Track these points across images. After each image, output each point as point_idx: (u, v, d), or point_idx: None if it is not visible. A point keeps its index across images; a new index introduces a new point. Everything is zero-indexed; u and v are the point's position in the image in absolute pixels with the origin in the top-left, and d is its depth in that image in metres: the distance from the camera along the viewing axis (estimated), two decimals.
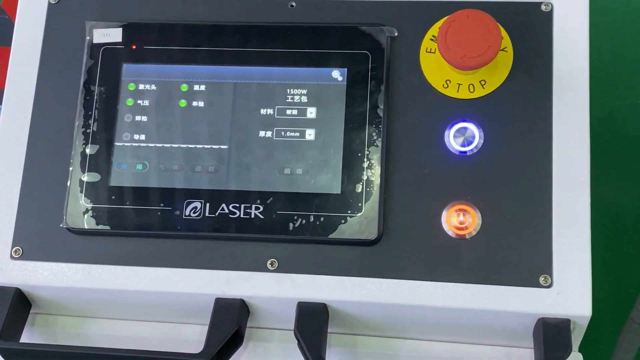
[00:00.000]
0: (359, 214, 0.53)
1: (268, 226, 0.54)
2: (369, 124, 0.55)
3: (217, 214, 0.54)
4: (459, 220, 0.52)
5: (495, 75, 0.55)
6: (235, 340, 0.54)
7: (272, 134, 0.55)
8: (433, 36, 0.55)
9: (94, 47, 0.58)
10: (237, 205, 0.55)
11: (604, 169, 1.16)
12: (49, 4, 0.60)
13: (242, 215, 0.54)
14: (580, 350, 0.56)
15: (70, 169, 0.56)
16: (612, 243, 1.06)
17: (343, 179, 0.54)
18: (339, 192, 0.54)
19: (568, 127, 0.54)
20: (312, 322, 0.53)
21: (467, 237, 0.52)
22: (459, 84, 0.55)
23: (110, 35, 0.59)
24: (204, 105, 0.57)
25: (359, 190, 0.54)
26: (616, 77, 1.29)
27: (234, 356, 0.55)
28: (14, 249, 0.55)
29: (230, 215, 0.54)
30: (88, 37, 0.58)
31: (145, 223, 0.55)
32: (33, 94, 0.58)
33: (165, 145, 0.56)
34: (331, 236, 0.53)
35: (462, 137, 0.54)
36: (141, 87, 0.57)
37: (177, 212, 0.54)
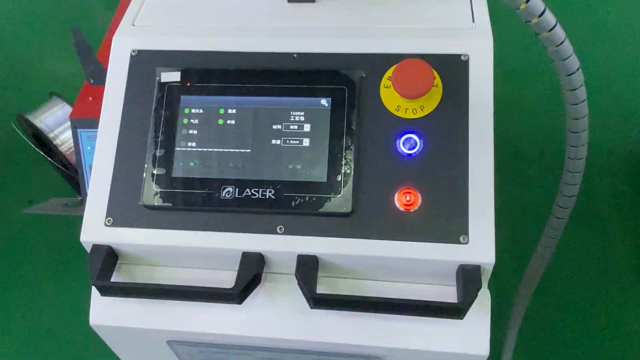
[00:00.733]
0: (339, 195, 0.56)
1: (278, 204, 0.57)
2: (345, 135, 0.58)
3: (243, 195, 0.57)
4: (405, 199, 0.56)
5: (430, 102, 0.58)
6: (255, 280, 0.57)
7: (280, 142, 0.58)
8: (388, 77, 0.58)
9: (161, 85, 0.61)
10: (257, 189, 0.57)
11: (512, 174, 1.27)
12: (131, 55, 0.62)
13: (259, 197, 0.57)
14: (488, 288, 0.59)
15: (145, 165, 0.59)
16: (514, 221, 1.15)
17: (328, 172, 0.57)
18: (325, 180, 0.57)
19: (479, 137, 0.57)
20: (307, 269, 0.56)
21: (412, 210, 0.56)
22: (406, 108, 0.58)
23: (172, 76, 0.61)
24: (234, 123, 0.59)
25: (339, 179, 0.57)
26: (513, 105, 1.39)
27: (254, 291, 0.59)
28: (107, 219, 0.59)
29: (252, 196, 0.57)
30: (157, 78, 0.61)
31: (195, 201, 0.58)
32: (120, 117, 0.61)
33: (208, 149, 0.59)
34: (320, 210, 0.56)
35: (408, 144, 0.57)
36: (192, 111, 0.60)
37: (216, 194, 0.57)
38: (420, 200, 0.56)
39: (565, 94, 0.60)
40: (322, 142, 0.58)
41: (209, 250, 0.58)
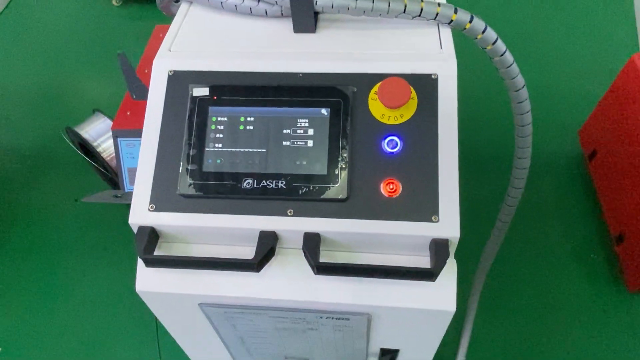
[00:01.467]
0: (337, 185, 0.59)
1: (288, 192, 0.59)
2: (341, 137, 0.60)
3: (260, 185, 0.60)
4: (389, 188, 0.58)
5: (408, 111, 0.61)
6: (270, 253, 0.60)
7: (289, 143, 0.61)
8: (375, 91, 0.61)
9: (193, 98, 0.63)
10: (271, 180, 0.60)
11: (474, 173, 1.31)
12: (168, 75, 0.64)
13: (273, 186, 0.59)
14: (455, 257, 0.61)
15: (181, 162, 0.61)
16: (474, 211, 1.18)
17: (328, 166, 0.59)
18: (326, 173, 0.59)
19: (446, 139, 0.59)
20: (312, 243, 0.58)
21: (394, 197, 0.58)
22: (389, 116, 0.61)
23: (201, 91, 0.63)
24: (253, 128, 0.62)
25: (337, 172, 0.59)
26: (474, 117, 1.43)
27: (269, 262, 0.61)
28: (150, 205, 0.61)
29: (267, 186, 0.60)
30: (190, 93, 0.63)
31: (221, 191, 0.60)
32: (160, 124, 0.63)
33: (232, 149, 0.61)
34: (322, 197, 0.59)
35: (391, 144, 0.59)
36: (219, 119, 0.63)
37: (239, 185, 0.60)
38: (401, 189, 0.59)
39: (513, 105, 0.63)
40: (323, 143, 0.61)
41: (232, 230, 0.61)
